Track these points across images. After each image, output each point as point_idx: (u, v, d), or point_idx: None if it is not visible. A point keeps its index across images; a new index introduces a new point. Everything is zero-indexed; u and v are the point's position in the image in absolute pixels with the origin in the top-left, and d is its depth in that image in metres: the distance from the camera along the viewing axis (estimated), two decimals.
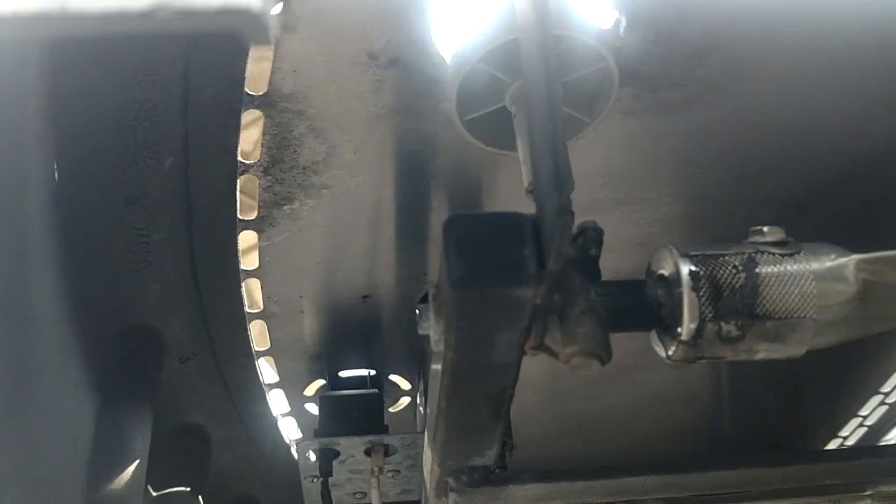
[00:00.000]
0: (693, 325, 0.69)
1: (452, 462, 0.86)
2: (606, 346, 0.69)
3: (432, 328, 0.70)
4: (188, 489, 1.41)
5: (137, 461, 1.14)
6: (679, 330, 0.70)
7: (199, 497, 1.45)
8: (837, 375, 1.66)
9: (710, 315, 0.69)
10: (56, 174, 0.91)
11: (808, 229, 0.81)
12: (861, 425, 1.72)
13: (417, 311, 0.71)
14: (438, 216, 1.17)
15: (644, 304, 0.72)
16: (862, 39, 1.01)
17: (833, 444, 1.75)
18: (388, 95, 0.97)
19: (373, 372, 1.46)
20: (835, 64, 1.04)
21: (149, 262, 1.12)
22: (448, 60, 0.90)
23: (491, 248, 0.63)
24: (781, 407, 1.71)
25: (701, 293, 0.69)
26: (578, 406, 1.67)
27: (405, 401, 1.55)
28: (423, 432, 1.34)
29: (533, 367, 1.55)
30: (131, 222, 1.06)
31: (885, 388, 1.66)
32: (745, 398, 1.70)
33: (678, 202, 1.18)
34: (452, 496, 0.88)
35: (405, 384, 1.52)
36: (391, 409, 1.55)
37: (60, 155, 0.91)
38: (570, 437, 1.74)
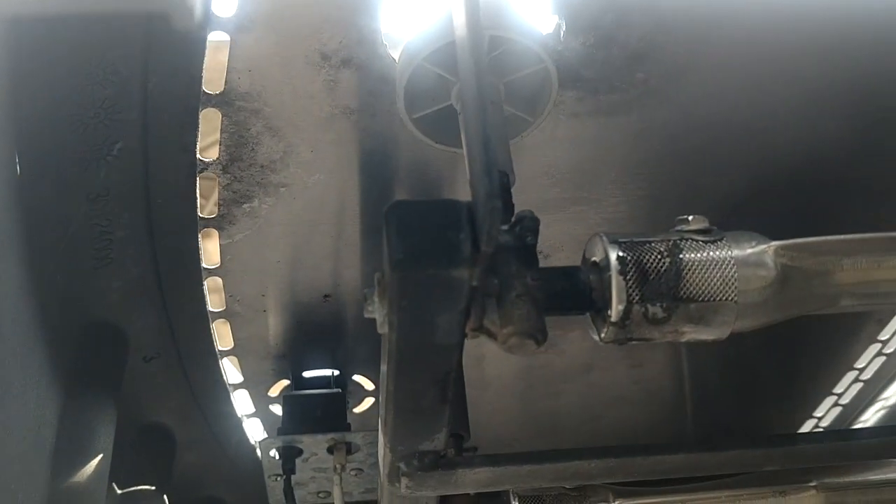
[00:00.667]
0: (621, 307, 0.73)
1: (403, 447, 0.89)
2: (542, 328, 0.73)
3: (377, 311, 0.73)
4: (153, 488, 1.44)
5: (101, 455, 1.16)
6: (609, 312, 0.74)
7: (164, 496, 1.47)
8: (792, 377, 1.71)
9: (637, 297, 0.73)
10: (18, 168, 0.94)
11: (750, 228, 0.85)
12: (816, 426, 1.77)
13: (364, 296, 0.75)
14: None
15: (577, 289, 0.76)
16: (798, 38, 1.05)
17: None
18: (342, 95, 1.01)
19: (336, 372, 1.49)
20: (772, 65, 1.08)
21: (111, 260, 1.15)
22: (398, 61, 0.94)
23: (429, 232, 0.67)
24: (738, 407, 1.75)
25: (628, 277, 0.73)
26: (539, 406, 1.71)
27: (369, 401, 1.58)
28: None
29: (494, 368, 1.60)
30: (93, 219, 1.08)
31: (838, 389, 1.71)
32: (702, 399, 1.74)
33: (624, 202, 1.23)
34: (404, 480, 0.92)
35: (369, 385, 1.55)
36: (355, 410, 1.58)
37: (22, 151, 0.94)
38: (533, 437, 1.78)
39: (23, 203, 0.96)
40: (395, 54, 0.95)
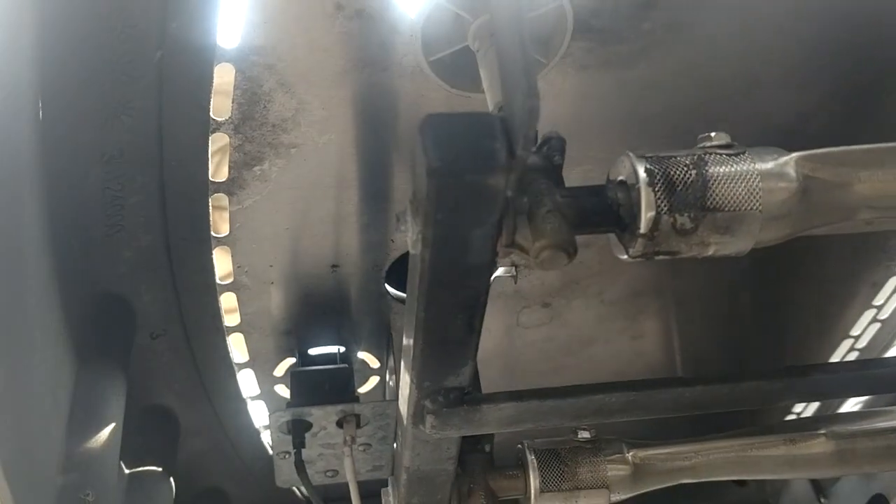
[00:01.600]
0: (650, 215, 0.74)
1: (429, 382, 0.89)
2: (573, 242, 0.74)
3: (410, 229, 0.74)
4: (160, 469, 1.42)
5: (114, 424, 1.15)
6: (638, 225, 0.75)
7: (171, 480, 1.46)
8: (788, 346, 1.73)
9: (666, 208, 0.75)
10: (41, 113, 0.94)
11: None
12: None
13: (396, 217, 0.76)
14: (405, 177, 1.22)
15: (605, 205, 0.78)
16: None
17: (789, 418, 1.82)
18: (355, 48, 1.02)
19: (342, 349, 1.50)
20: (771, 20, 1.11)
21: (122, 227, 1.15)
22: (409, 11, 0.96)
23: (464, 141, 0.68)
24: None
25: (656, 189, 0.75)
26: (542, 383, 1.71)
27: (374, 380, 1.58)
28: (393, 400, 1.37)
29: (499, 343, 1.60)
30: (107, 183, 1.08)
31: (834, 358, 1.73)
32: (699, 370, 1.76)
33: None
34: (429, 419, 0.92)
35: (374, 362, 1.55)
36: (360, 390, 1.58)
37: (44, 102, 0.94)
38: None
39: (44, 156, 0.96)
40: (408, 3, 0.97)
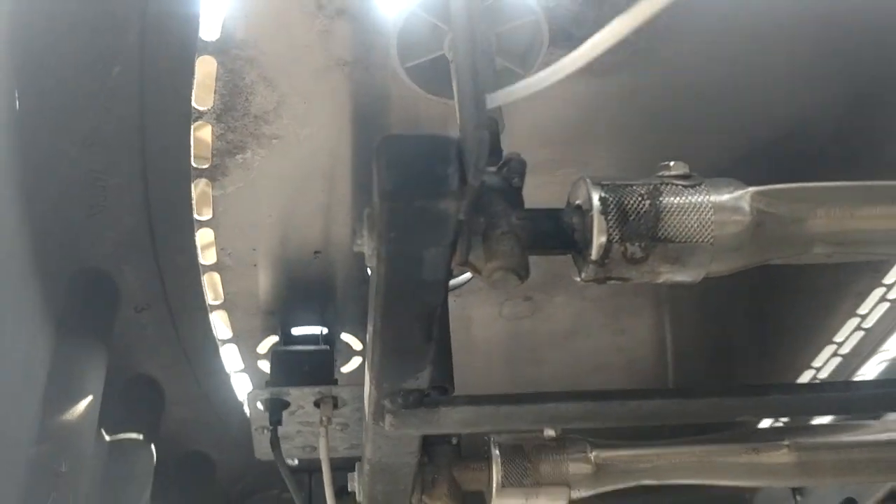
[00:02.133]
0: (601, 242, 0.75)
1: (388, 384, 0.91)
2: (525, 264, 0.76)
3: (366, 244, 0.76)
4: (141, 437, 1.46)
5: (91, 397, 1.18)
6: (589, 251, 0.77)
7: (152, 446, 1.49)
8: (773, 350, 1.74)
9: (617, 237, 0.76)
10: (17, 103, 0.95)
11: None
12: None
13: (353, 230, 0.77)
14: None
15: (560, 229, 0.79)
16: (787, 4, 1.08)
17: (766, 422, 1.83)
18: (336, 46, 1.03)
19: (325, 330, 1.52)
20: (759, 29, 1.11)
21: (104, 207, 1.17)
22: (391, 11, 0.96)
23: (418, 165, 0.69)
24: (718, 377, 1.78)
25: (609, 217, 0.76)
26: (523, 372, 1.73)
27: (357, 361, 1.60)
28: None
29: (479, 331, 1.62)
30: (89, 165, 1.10)
31: (817, 363, 1.74)
32: (682, 369, 1.77)
33: (612, 165, 1.25)
34: (388, 418, 0.94)
35: (357, 344, 1.57)
36: (343, 370, 1.60)
37: (21, 90, 0.96)
38: None
39: (21, 142, 0.98)
40: (389, 3, 0.97)
